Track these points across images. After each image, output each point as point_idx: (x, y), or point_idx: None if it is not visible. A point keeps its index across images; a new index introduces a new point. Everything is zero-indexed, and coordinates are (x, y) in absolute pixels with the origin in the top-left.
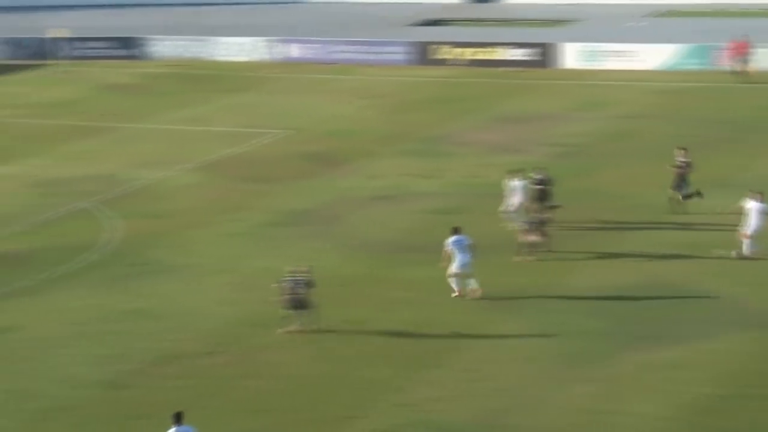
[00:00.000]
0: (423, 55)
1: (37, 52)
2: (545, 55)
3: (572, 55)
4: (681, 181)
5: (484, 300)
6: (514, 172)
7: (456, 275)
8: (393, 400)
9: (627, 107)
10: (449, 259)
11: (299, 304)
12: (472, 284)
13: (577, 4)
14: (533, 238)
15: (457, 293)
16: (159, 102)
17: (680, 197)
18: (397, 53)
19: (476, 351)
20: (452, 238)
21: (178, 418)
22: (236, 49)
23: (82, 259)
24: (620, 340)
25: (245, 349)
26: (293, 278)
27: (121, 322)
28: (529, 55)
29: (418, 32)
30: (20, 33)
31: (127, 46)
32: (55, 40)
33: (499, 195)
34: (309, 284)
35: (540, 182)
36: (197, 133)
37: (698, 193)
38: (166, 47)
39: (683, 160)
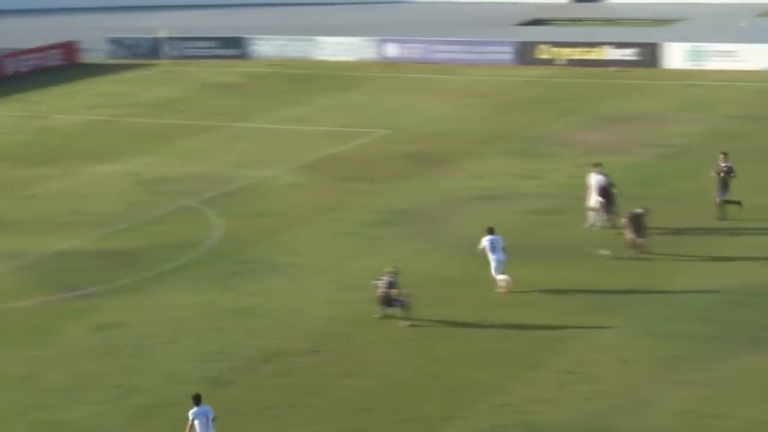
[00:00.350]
0: (526, 54)
1: (144, 52)
2: (650, 55)
3: (677, 55)
4: (723, 186)
5: (585, 300)
6: (594, 166)
7: (495, 272)
8: (493, 400)
9: (732, 108)
10: (487, 256)
11: (387, 302)
12: (503, 278)
13: (682, 4)
14: (630, 236)
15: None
16: (262, 101)
17: (722, 201)
18: (500, 53)
19: (576, 352)
20: (487, 237)
21: (197, 400)
22: (339, 48)
23: (187, 256)
24: (723, 343)
25: (346, 348)
26: (383, 278)
27: (224, 319)
28: (633, 55)
29: (521, 32)
30: (127, 33)
31: (232, 46)
32: (161, 39)
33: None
34: (391, 285)
35: (600, 186)
36: (300, 132)
37: (738, 202)
38: (269, 47)
39: (725, 164)
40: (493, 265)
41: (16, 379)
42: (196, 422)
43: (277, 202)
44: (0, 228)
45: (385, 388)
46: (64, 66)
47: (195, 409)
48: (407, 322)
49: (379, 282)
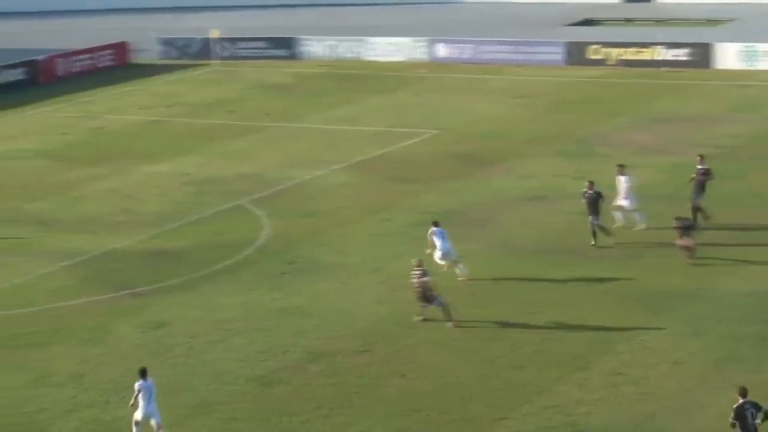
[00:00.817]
0: (575, 55)
1: (195, 52)
2: (701, 56)
3: (729, 56)
4: (700, 190)
5: (633, 301)
6: (621, 167)
7: (441, 259)
8: (541, 402)
9: None
10: (434, 246)
11: (426, 298)
12: (461, 269)
13: (735, 3)
14: (683, 242)
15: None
16: (311, 102)
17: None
18: (549, 53)
19: (624, 353)
20: (433, 229)
21: (143, 374)
22: (388, 49)
23: (236, 256)
24: None
25: (394, 348)
26: (415, 271)
27: (272, 319)
28: (684, 56)
29: (571, 32)
30: (178, 33)
31: (281, 46)
32: (211, 40)
33: (653, 197)
34: (423, 275)
35: (591, 197)
36: (348, 132)
37: (706, 216)
38: (319, 47)
39: (701, 167)
40: (439, 254)
41: (67, 376)
42: (140, 395)
43: (325, 203)
44: (52, 227)
45: (434, 389)
46: (115, 66)
47: (141, 381)
48: (451, 323)
49: (414, 277)
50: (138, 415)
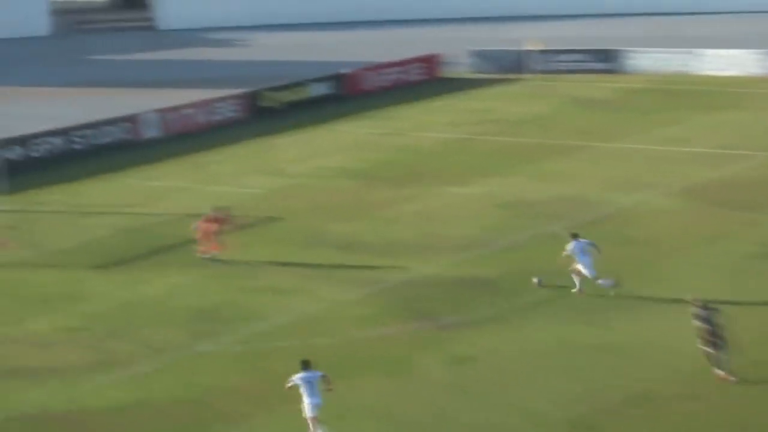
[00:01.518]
0: None
1: (508, 65)
2: None
3: None
4: None
5: None
6: None
7: (578, 273)
8: None
9: None
10: (570, 261)
11: (712, 339)
12: (603, 282)
13: None
14: None
15: (577, 290)
16: (635, 119)
17: None
18: None
19: None
20: (573, 243)
21: (305, 366)
22: (724, 62)
23: (549, 287)
24: None
25: (724, 395)
26: (703, 309)
27: (588, 356)
28: None
29: None
30: (491, 45)
31: (604, 59)
32: (528, 52)
33: None
34: (710, 319)
35: None
36: (675, 153)
37: None
38: (645, 60)
39: None
40: (585, 270)
41: (368, 410)
42: (301, 387)
43: (649, 230)
44: (356, 251)
45: None
46: (424, 80)
47: (300, 374)
48: (733, 377)
49: (702, 315)
50: (308, 411)
